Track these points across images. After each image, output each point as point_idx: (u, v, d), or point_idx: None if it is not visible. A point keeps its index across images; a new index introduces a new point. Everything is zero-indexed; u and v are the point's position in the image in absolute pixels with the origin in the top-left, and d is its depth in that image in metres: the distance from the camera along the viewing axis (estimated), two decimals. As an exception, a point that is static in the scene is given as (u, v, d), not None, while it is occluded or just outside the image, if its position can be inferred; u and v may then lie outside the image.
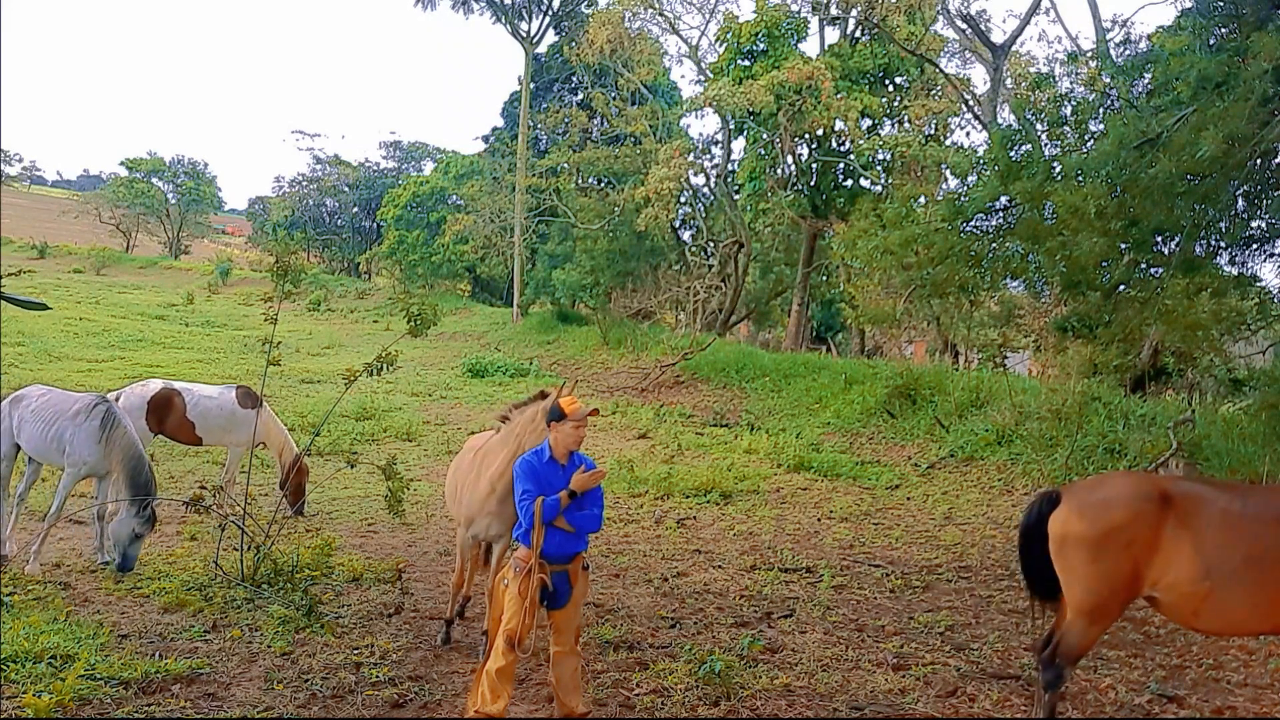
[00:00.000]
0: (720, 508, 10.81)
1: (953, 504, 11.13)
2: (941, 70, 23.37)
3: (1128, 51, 9.88)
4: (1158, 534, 4.41)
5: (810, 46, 30.84)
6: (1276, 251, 9.10)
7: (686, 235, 29.63)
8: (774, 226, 27.07)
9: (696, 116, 36.01)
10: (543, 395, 5.37)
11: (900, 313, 13.43)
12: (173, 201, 54.85)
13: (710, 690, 5.38)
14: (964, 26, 21.88)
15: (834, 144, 24.09)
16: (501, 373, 22.00)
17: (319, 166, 48.87)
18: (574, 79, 34.64)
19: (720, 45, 25.24)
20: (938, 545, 9.42)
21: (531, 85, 33.28)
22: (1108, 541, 4.47)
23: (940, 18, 23.12)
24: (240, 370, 18.75)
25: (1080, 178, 8.27)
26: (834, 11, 24.51)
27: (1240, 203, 8.61)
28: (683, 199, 26.85)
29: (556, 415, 4.67)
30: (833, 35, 25.37)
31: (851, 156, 23.38)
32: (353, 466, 7.92)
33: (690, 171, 25.17)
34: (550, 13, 32.31)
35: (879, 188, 23.23)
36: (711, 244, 28.73)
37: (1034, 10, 20.65)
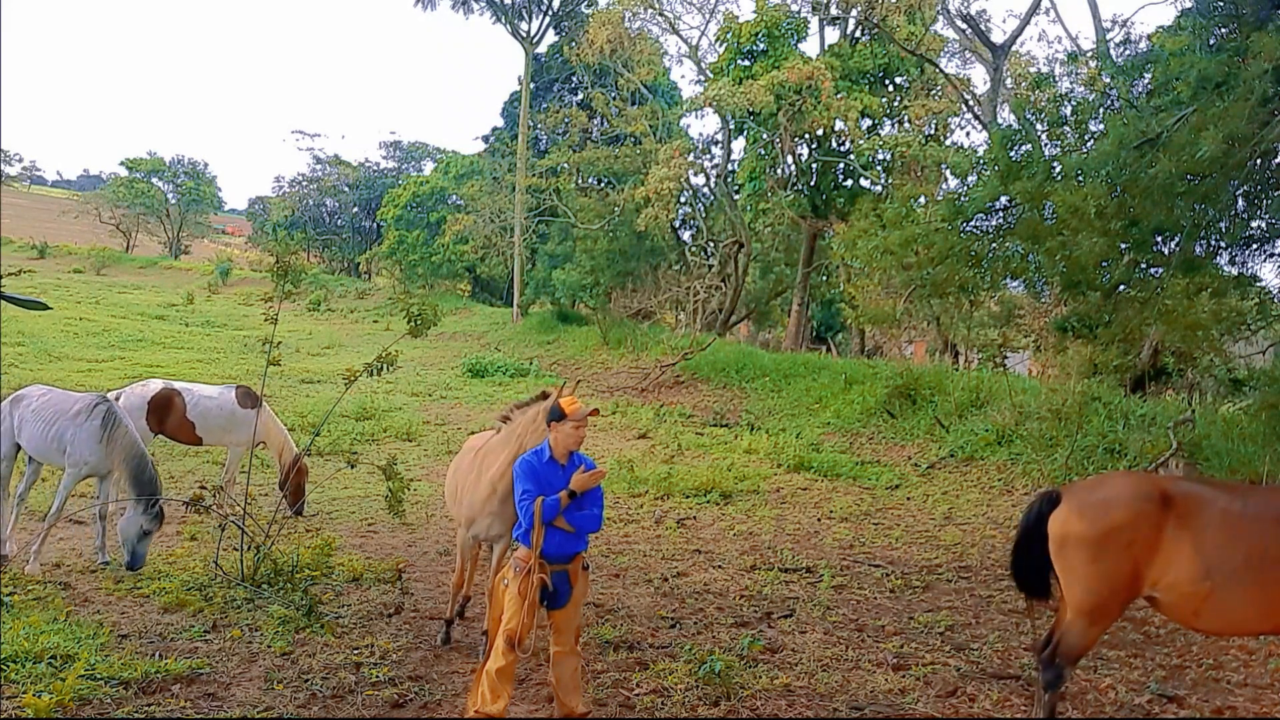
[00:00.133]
0: (720, 508, 10.81)
1: (953, 504, 11.13)
2: (941, 70, 23.37)
3: (1128, 51, 9.89)
4: (1158, 534, 4.41)
5: (810, 46, 30.89)
6: (1276, 251, 9.10)
7: (686, 235, 29.63)
8: (774, 226, 27.07)
9: (696, 116, 36.05)
10: (544, 395, 5.37)
11: (900, 313, 13.44)
12: (173, 201, 54.86)
13: (710, 690, 5.38)
14: (964, 26, 21.88)
15: (834, 144, 24.08)
16: (501, 373, 22.00)
17: (319, 166, 48.91)
18: (574, 79, 34.64)
19: (720, 45, 25.25)
20: (938, 545, 9.42)
21: (531, 85, 33.28)
22: (1108, 541, 4.47)
23: (940, 18, 23.13)
24: (240, 370, 18.75)
25: (1080, 178, 8.28)
26: (834, 11, 24.51)
27: (1240, 203, 8.61)
28: (683, 199, 26.85)
29: (556, 415, 4.67)
30: (833, 35, 25.39)
31: (851, 156, 23.38)
32: (353, 466, 7.92)
33: (690, 171, 25.17)
34: (550, 13, 32.32)
35: (879, 188, 23.23)
36: (711, 244, 28.73)
37: (1034, 10, 20.66)
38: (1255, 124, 7.02)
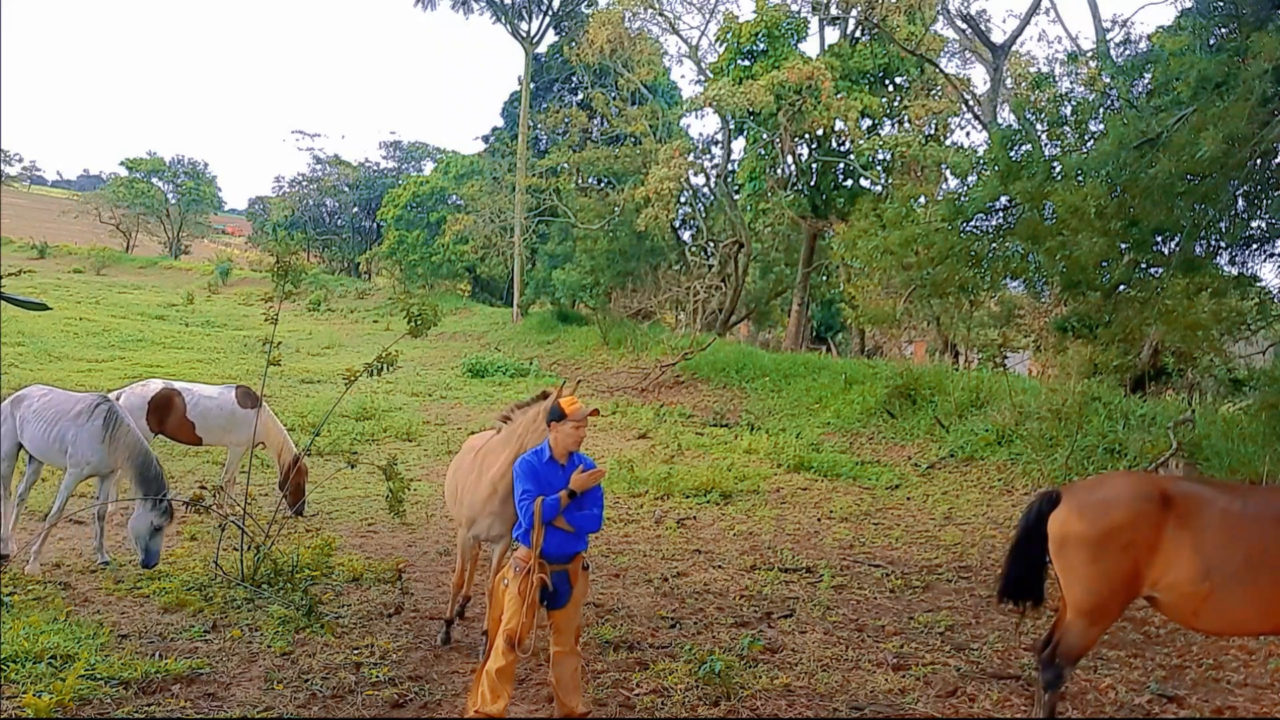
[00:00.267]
0: (720, 508, 10.81)
1: (953, 504, 11.13)
2: (941, 70, 23.37)
3: (1128, 51, 9.89)
4: (1158, 534, 4.41)
5: (810, 46, 30.89)
6: (1276, 251, 9.10)
7: (686, 235, 29.63)
8: (774, 226, 27.07)
9: (696, 116, 36.05)
10: (544, 395, 5.37)
11: (900, 313, 13.44)
12: (173, 201, 54.87)
13: (710, 690, 5.38)
14: (964, 26, 21.88)
15: (834, 144, 24.08)
16: (501, 373, 22.00)
17: (319, 166, 48.91)
18: (574, 79, 34.64)
19: (720, 45, 25.25)
20: (938, 545, 9.42)
21: (531, 85, 33.28)
22: (1108, 541, 4.47)
23: (940, 18, 23.13)
24: (240, 370, 18.75)
25: (1080, 178, 8.28)
26: (834, 11, 24.51)
27: (1240, 203, 8.62)
28: (683, 199, 26.85)
29: (556, 415, 4.67)
30: (833, 35, 25.39)
31: (851, 156, 23.38)
32: (353, 467, 7.92)
33: (690, 171, 25.17)
34: (550, 13, 32.32)
35: (879, 188, 23.23)
36: (711, 244, 28.73)
37: (1034, 10, 20.66)
38: (1255, 124, 7.02)
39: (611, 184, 29.72)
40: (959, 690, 5.56)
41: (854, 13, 24.11)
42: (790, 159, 24.42)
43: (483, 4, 31.89)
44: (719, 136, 27.90)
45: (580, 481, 4.54)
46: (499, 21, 32.01)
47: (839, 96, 22.14)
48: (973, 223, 9.79)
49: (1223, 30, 8.04)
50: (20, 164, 71.63)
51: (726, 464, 12.92)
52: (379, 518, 9.67)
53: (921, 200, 19.59)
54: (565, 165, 31.39)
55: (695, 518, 10.31)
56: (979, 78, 26.31)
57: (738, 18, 24.98)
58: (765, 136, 23.84)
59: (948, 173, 21.58)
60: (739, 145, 26.60)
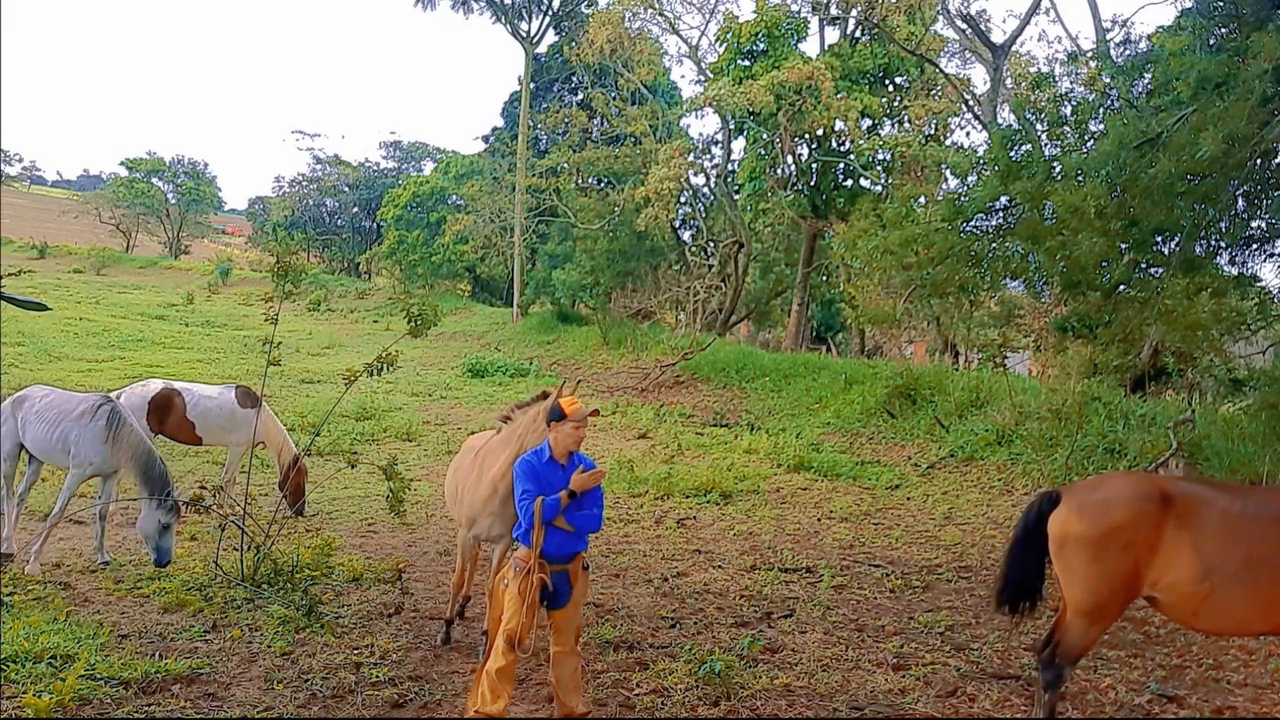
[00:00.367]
0: (720, 508, 10.81)
1: (953, 504, 11.13)
2: (941, 70, 23.37)
3: (1128, 51, 9.89)
4: (1158, 534, 4.41)
5: (810, 46, 30.88)
6: (1276, 251, 9.11)
7: (686, 235, 29.63)
8: (774, 226, 27.07)
9: (696, 116, 36.04)
10: (544, 395, 5.37)
11: (900, 313, 13.43)
12: (173, 201, 54.86)
13: (710, 690, 5.38)
14: (964, 26, 21.88)
15: (834, 144, 24.08)
16: (501, 373, 22.00)
17: (319, 166, 48.90)
18: (574, 79, 34.64)
19: (720, 45, 25.25)
20: (938, 545, 9.42)
21: (531, 85, 33.28)
22: (1108, 542, 4.47)
23: (940, 18, 23.13)
24: (240, 370, 18.76)
25: (1080, 178, 8.28)
26: (834, 11, 24.51)
27: (1240, 203, 8.62)
28: (683, 199, 26.85)
29: (556, 415, 4.67)
30: (833, 35, 25.39)
31: (851, 156, 23.38)
32: (353, 467, 7.92)
33: (690, 171, 25.16)
34: (550, 13, 32.31)
35: (879, 188, 23.23)
36: (711, 244, 28.73)
37: (1034, 10, 20.66)
38: (1255, 124, 7.02)
39: (611, 184, 29.72)
40: (959, 690, 5.56)
41: (854, 13, 24.11)
42: (790, 159, 24.42)
43: (483, 4, 31.91)
44: (719, 136, 27.93)
45: (580, 482, 4.54)
46: (499, 21, 32.02)
47: (839, 96, 22.14)
48: (973, 223, 9.79)
49: (1223, 30, 8.04)
50: (20, 164, 71.68)
51: (726, 464, 12.92)
52: (379, 518, 9.67)
53: (921, 200, 19.59)
54: (565, 165, 31.39)
55: (695, 518, 10.31)
56: (979, 78, 26.34)
57: (738, 18, 24.99)
58: (765, 136, 23.84)
59: (948, 173, 21.58)
60: (739, 145, 26.63)
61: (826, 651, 6.18)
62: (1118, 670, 5.93)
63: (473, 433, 8.63)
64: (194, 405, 9.44)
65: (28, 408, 7.46)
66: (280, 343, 8.02)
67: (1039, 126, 10.06)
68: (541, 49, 34.12)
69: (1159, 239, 8.93)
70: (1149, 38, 10.16)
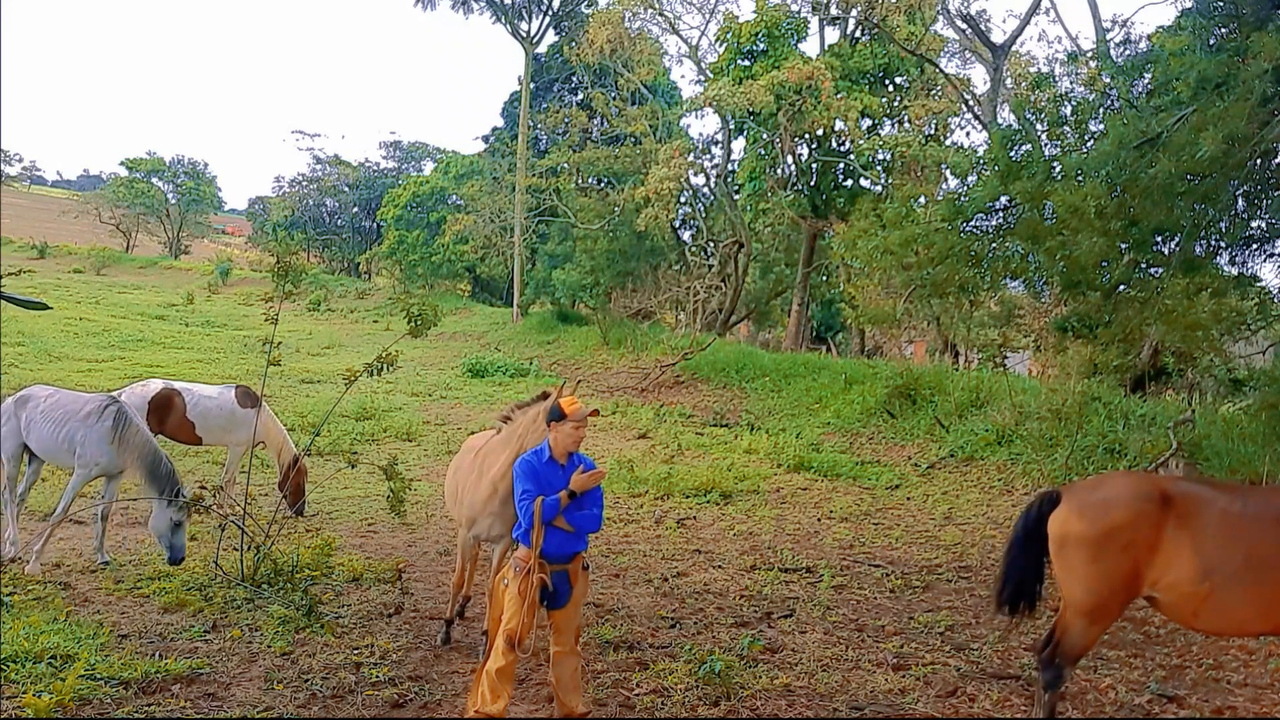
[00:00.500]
0: (720, 508, 10.81)
1: (953, 504, 11.13)
2: (941, 70, 23.37)
3: (1128, 51, 9.89)
4: (1158, 534, 4.41)
5: (810, 46, 30.88)
6: (1276, 251, 9.10)
7: (686, 235, 29.63)
8: (774, 226, 27.06)
9: (696, 116, 36.02)
10: (545, 395, 5.37)
11: (900, 313, 13.43)
12: (173, 201, 54.85)
13: (710, 690, 5.38)
14: (964, 26, 21.88)
15: (834, 144, 24.08)
16: (501, 373, 22.00)
17: (319, 166, 48.89)
18: (574, 79, 34.63)
19: (720, 45, 25.25)
20: (938, 545, 9.42)
21: (531, 85, 33.27)
22: (1108, 542, 4.47)
23: (940, 18, 23.12)
24: (240, 370, 18.76)
25: (1080, 178, 8.28)
26: (834, 11, 24.51)
27: (1240, 203, 8.62)
28: (683, 199, 26.84)
29: (556, 415, 4.67)
30: (833, 35, 25.39)
31: (851, 156, 23.38)
32: (353, 467, 7.92)
33: (690, 171, 25.16)
34: (550, 13, 32.31)
35: (879, 188, 23.22)
36: (711, 244, 28.72)
37: (1034, 10, 20.65)
38: (1255, 124, 7.01)
39: (611, 184, 29.72)
40: (959, 690, 5.56)
41: (854, 13, 24.11)
42: (790, 159, 24.42)
43: (483, 4, 31.90)
44: (719, 136, 27.93)
45: (580, 482, 4.54)
46: (499, 21, 32.02)
47: (839, 96, 22.14)
48: (973, 223, 9.79)
49: (1223, 30, 8.04)
50: (20, 164, 71.67)
51: (726, 464, 12.92)
52: (379, 518, 9.67)
53: (921, 200, 19.58)
54: (565, 165, 31.39)
55: (695, 518, 10.31)
56: (979, 78, 26.34)
57: (738, 18, 24.99)
58: (765, 136, 23.84)
59: (948, 173, 21.58)
60: (739, 145, 26.62)
61: (826, 651, 6.17)
62: (1118, 670, 5.93)
63: (473, 433, 8.63)
64: (194, 405, 9.45)
65: (32, 407, 7.46)
66: (280, 343, 8.02)
67: (1039, 126, 10.06)
68: (541, 49, 34.12)
69: (1159, 239, 8.93)
70: (1149, 38, 10.16)
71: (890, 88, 24.72)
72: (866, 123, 23.88)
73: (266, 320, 7.41)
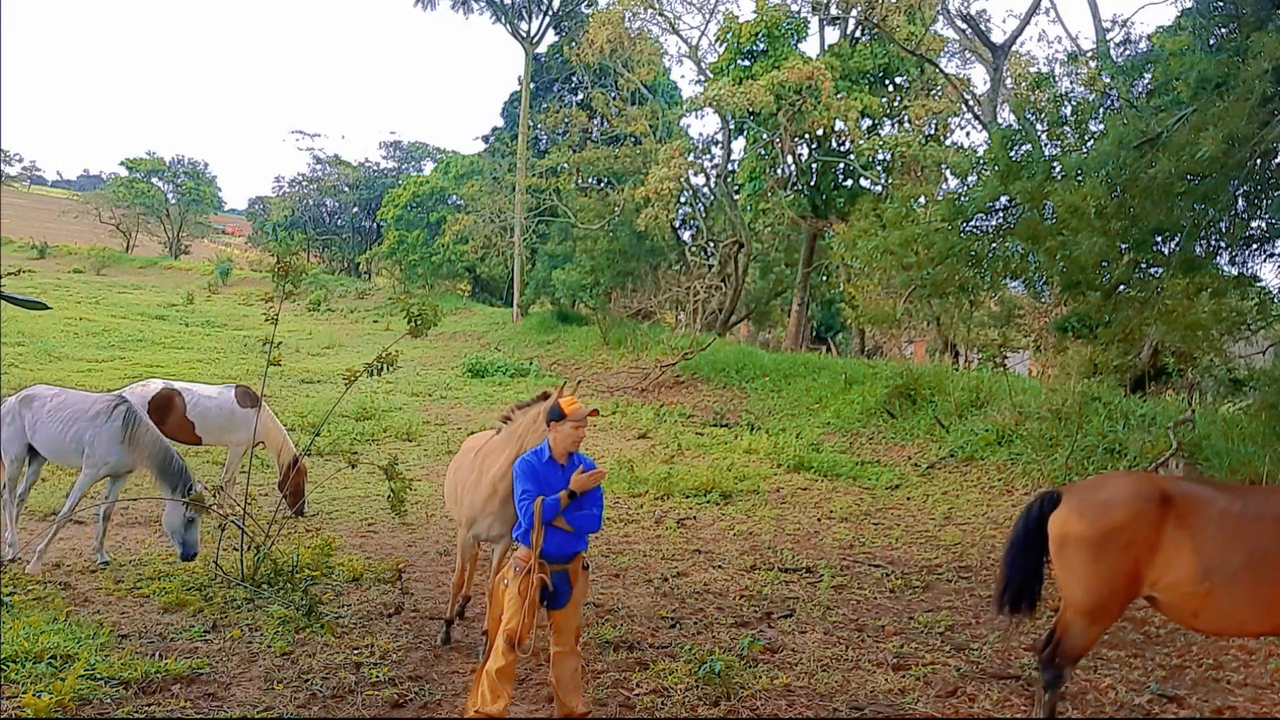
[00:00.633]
0: (720, 508, 10.81)
1: (953, 504, 11.13)
2: (941, 70, 23.37)
3: (1128, 51, 9.89)
4: (1158, 534, 4.41)
5: (810, 46, 30.91)
6: (1276, 251, 9.10)
7: (686, 235, 29.63)
8: (774, 226, 27.06)
9: (696, 116, 36.07)
10: (545, 395, 5.37)
11: (900, 313, 13.45)
12: (173, 201, 54.86)
13: (710, 690, 5.38)
14: (964, 26, 21.88)
15: (834, 144, 24.08)
16: (501, 373, 22.00)
17: (319, 166, 48.88)
18: (574, 79, 34.63)
19: (720, 45, 25.24)
20: (938, 545, 9.42)
21: (531, 85, 33.27)
22: (1108, 542, 4.47)
23: (940, 18, 23.12)
24: (240, 370, 18.76)
25: (1080, 178, 8.28)
26: (834, 11, 24.51)
27: (1240, 203, 8.61)
28: (683, 199, 26.84)
29: (556, 415, 4.67)
30: (833, 35, 25.39)
31: (851, 156, 23.38)
32: (353, 467, 7.92)
33: (690, 171, 25.16)
34: (550, 13, 32.31)
35: (879, 188, 23.23)
36: (711, 244, 28.73)
37: (1034, 10, 20.65)
38: (1255, 124, 7.01)
39: (611, 184, 29.71)
40: (959, 690, 5.56)
41: (854, 13, 24.10)
42: (790, 159, 24.41)
43: (483, 4, 31.91)
44: (719, 136, 27.93)
45: (580, 482, 4.54)
46: (499, 21, 32.02)
47: (839, 96, 22.14)
48: (973, 223, 9.79)
49: (1223, 30, 8.04)
50: (20, 164, 71.66)
51: (726, 464, 12.92)
52: (379, 518, 9.68)
53: (921, 200, 19.57)
54: (565, 165, 31.39)
55: (695, 518, 10.31)
56: (979, 78, 26.36)
57: (738, 18, 24.98)
58: (765, 136, 23.83)
59: (948, 173, 21.58)
60: (739, 145, 26.62)
61: (826, 651, 6.17)
62: (1118, 670, 5.93)
63: (473, 433, 8.63)
64: (194, 405, 9.45)
65: (38, 407, 7.46)
66: (280, 343, 8.02)
67: (1039, 126, 10.05)
68: (541, 49, 34.12)
69: (1159, 239, 8.93)
70: (1149, 38, 10.17)
71: (890, 88, 24.72)
72: (866, 123, 23.88)
73: (266, 320, 7.41)
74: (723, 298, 26.27)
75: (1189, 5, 8.74)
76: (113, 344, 22.48)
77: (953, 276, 9.79)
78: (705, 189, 27.64)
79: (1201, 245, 8.93)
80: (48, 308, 5.64)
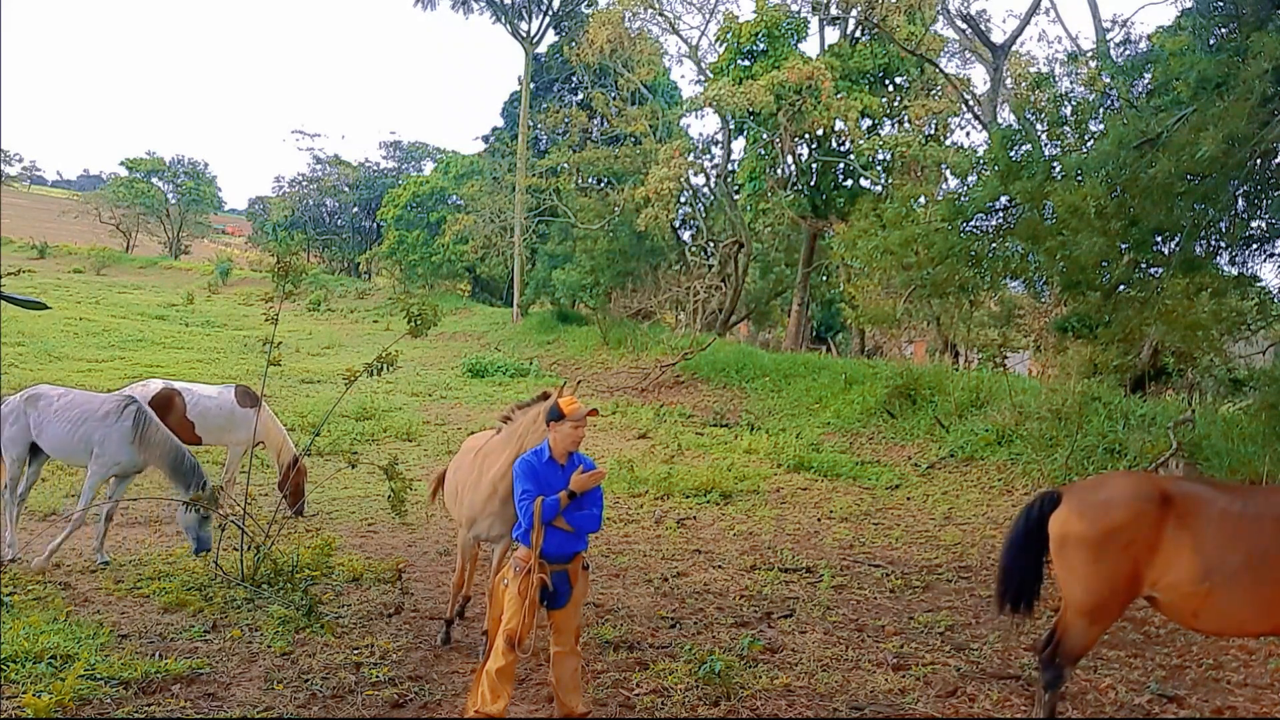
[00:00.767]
0: (720, 508, 10.81)
1: (953, 504, 11.13)
2: (941, 70, 23.37)
3: (1128, 51, 9.89)
4: (1158, 534, 4.41)
5: (810, 46, 30.90)
6: (1276, 251, 9.10)
7: (686, 235, 29.63)
8: (774, 226, 27.06)
9: (696, 116, 36.07)
10: (545, 396, 5.37)
11: (900, 313, 13.44)
12: (173, 201, 54.87)
13: (710, 690, 5.38)
14: (964, 26, 21.87)
15: (834, 144, 24.08)
16: (501, 373, 22.00)
17: (319, 166, 48.89)
18: (574, 79, 34.64)
19: (720, 45, 25.24)
20: (938, 545, 9.42)
21: (531, 85, 33.27)
22: (1108, 542, 4.47)
23: (940, 18, 23.12)
24: (240, 370, 18.76)
25: (1080, 178, 8.28)
26: (834, 11, 24.51)
27: (1240, 203, 8.61)
28: (683, 199, 26.85)
29: (555, 415, 4.67)
30: (833, 35, 25.39)
31: (851, 156, 23.38)
32: (353, 467, 7.92)
33: (690, 171, 25.16)
34: (550, 13, 32.32)
35: (879, 188, 23.23)
36: (711, 244, 28.73)
37: (1034, 10, 20.65)
38: (1255, 124, 7.01)
39: (611, 184, 29.71)
40: (959, 690, 5.56)
41: (854, 13, 24.10)
42: (790, 159, 24.41)
43: (483, 4, 31.91)
44: (719, 136, 27.92)
45: (580, 483, 4.54)
46: (499, 21, 32.03)
47: (839, 96, 22.13)
48: (973, 223, 9.79)
49: (1223, 30, 8.04)
50: (20, 164, 71.66)
51: (726, 464, 12.92)
52: (379, 518, 9.68)
53: (921, 200, 19.57)
54: (565, 165, 31.39)
55: (695, 518, 10.31)
56: (979, 78, 26.35)
57: (738, 18, 24.98)
58: (765, 136, 23.83)
59: (948, 173, 21.58)
60: (739, 145, 26.62)
61: (826, 651, 6.17)
62: (1118, 670, 5.93)
63: (473, 433, 8.63)
64: (194, 405, 9.46)
65: (43, 406, 7.46)
66: (280, 343, 8.02)
67: (1039, 126, 10.05)
68: (541, 49, 34.13)
69: (1159, 239, 8.93)
70: (1149, 38, 10.17)
71: (890, 88, 24.72)
72: (866, 123, 23.88)
73: (266, 320, 7.41)
74: (723, 298, 26.27)
75: (1189, 5, 8.74)
76: (113, 344, 22.48)
77: (953, 276, 9.79)
78: (705, 189, 27.65)
79: (1201, 245, 8.93)
80: (48, 308, 5.65)
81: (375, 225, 45.82)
